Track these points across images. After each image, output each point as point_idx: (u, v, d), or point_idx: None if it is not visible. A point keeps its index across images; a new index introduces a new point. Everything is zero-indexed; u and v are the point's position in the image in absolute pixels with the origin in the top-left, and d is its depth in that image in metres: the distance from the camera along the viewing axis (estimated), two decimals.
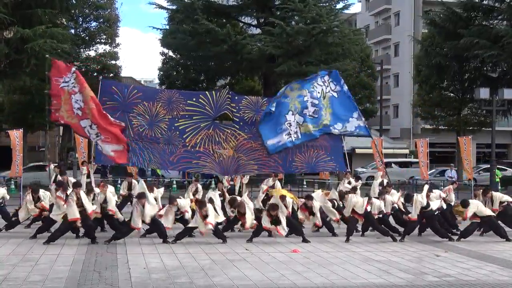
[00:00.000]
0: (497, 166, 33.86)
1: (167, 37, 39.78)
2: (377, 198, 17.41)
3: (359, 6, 73.70)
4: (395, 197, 17.87)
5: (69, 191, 15.63)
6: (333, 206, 17.59)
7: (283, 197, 16.50)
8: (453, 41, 37.74)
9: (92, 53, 44.36)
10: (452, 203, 18.87)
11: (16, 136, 24.00)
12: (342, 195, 17.79)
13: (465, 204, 16.59)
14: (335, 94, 18.13)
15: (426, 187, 17.20)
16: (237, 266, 12.24)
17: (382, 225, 16.79)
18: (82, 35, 43.17)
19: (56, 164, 18.20)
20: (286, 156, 18.02)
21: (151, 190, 16.94)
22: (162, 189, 19.33)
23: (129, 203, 18.64)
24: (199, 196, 19.02)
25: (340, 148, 18.62)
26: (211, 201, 16.23)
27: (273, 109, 17.44)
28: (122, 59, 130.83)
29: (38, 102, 40.20)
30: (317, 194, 18.10)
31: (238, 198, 17.17)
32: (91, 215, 15.27)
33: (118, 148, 16.88)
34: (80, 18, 42.89)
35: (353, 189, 18.85)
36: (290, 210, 16.60)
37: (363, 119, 18.43)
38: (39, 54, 28.45)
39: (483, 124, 41.99)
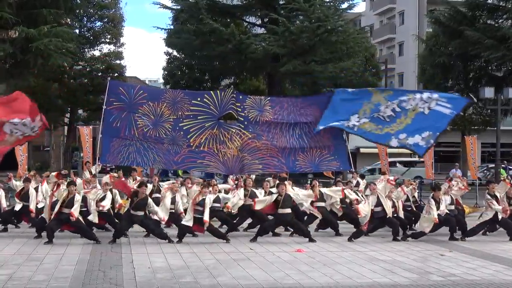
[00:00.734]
0: (502, 165, 33.80)
1: (172, 37, 39.83)
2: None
3: (364, 6, 73.71)
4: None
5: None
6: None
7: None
8: (458, 40, 37.67)
9: (96, 53, 44.45)
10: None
11: None
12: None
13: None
14: (426, 111, 17.75)
15: (445, 185, 17.35)
16: (241, 266, 12.24)
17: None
18: (87, 35, 43.21)
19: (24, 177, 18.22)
20: (289, 155, 18.03)
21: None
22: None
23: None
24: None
25: (343, 147, 18.60)
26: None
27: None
28: (126, 59, 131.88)
29: (43, 102, 40.30)
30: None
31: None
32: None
33: None
34: (84, 18, 42.93)
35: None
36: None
37: (432, 141, 18.05)
38: (44, 54, 28.48)
39: (488, 124, 41.88)
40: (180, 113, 17.94)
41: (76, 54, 37.50)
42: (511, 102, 34.33)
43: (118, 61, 44.53)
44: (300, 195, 16.70)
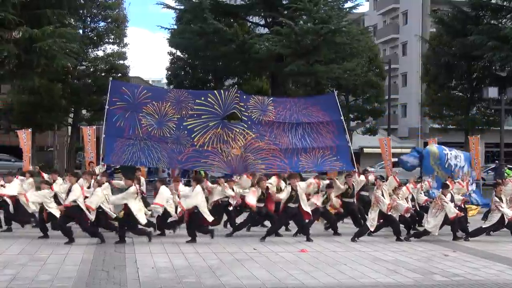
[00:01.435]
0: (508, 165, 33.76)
1: (175, 37, 39.80)
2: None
3: (367, 6, 73.60)
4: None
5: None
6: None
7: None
8: (461, 40, 37.65)
9: (100, 53, 44.57)
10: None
11: (24, 136, 24.06)
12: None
13: None
14: None
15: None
16: (245, 266, 12.25)
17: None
18: (90, 35, 43.29)
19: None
20: (292, 156, 18.06)
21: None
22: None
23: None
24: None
25: (346, 147, 18.61)
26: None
27: None
28: (130, 59, 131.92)
29: (47, 102, 40.41)
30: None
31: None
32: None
33: None
34: (88, 18, 43.01)
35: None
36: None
37: None
38: (48, 54, 28.52)
39: (492, 124, 41.84)
40: (184, 112, 17.98)
41: (80, 54, 37.56)
42: None
43: (121, 62, 44.62)
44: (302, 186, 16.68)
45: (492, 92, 32.33)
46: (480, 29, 36.70)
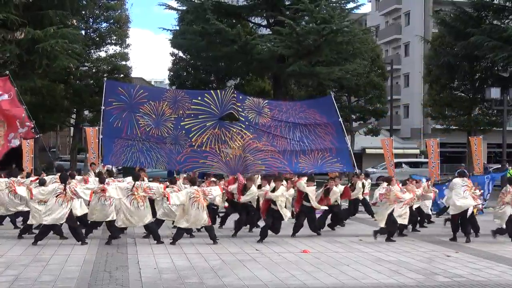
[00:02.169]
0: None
1: (177, 38, 39.87)
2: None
3: (369, 6, 73.66)
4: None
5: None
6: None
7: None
8: (464, 40, 37.63)
9: (102, 54, 44.53)
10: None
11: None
12: None
13: None
14: None
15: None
16: (247, 266, 12.25)
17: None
18: (93, 36, 43.31)
19: None
20: (291, 157, 18.02)
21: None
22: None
23: None
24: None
25: (346, 149, 18.55)
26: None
27: None
28: (132, 60, 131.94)
29: (49, 103, 40.41)
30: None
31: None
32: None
33: None
34: (90, 19, 43.04)
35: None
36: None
37: None
38: (50, 55, 28.58)
39: (494, 124, 41.81)
40: (181, 112, 17.98)
41: (82, 55, 37.61)
42: None
43: (123, 62, 44.60)
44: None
45: (495, 92, 32.29)
46: (482, 29, 36.68)
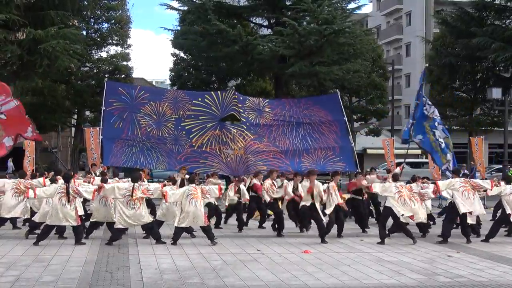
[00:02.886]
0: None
1: (178, 38, 39.85)
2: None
3: (371, 6, 73.64)
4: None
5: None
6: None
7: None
8: (465, 40, 37.61)
9: (103, 55, 44.65)
10: None
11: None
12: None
13: None
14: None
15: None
16: (248, 267, 12.24)
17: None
18: (94, 36, 43.40)
19: None
20: (293, 157, 18.04)
21: None
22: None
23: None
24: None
25: (349, 148, 18.57)
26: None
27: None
28: (133, 60, 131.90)
29: (50, 104, 40.45)
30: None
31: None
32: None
33: None
34: (91, 19, 43.11)
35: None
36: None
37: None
38: (51, 55, 28.56)
39: (496, 124, 41.80)
40: (181, 112, 18.02)
41: (83, 55, 37.66)
42: None
43: (125, 63, 44.68)
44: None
45: (496, 93, 32.28)
46: (483, 30, 36.66)
